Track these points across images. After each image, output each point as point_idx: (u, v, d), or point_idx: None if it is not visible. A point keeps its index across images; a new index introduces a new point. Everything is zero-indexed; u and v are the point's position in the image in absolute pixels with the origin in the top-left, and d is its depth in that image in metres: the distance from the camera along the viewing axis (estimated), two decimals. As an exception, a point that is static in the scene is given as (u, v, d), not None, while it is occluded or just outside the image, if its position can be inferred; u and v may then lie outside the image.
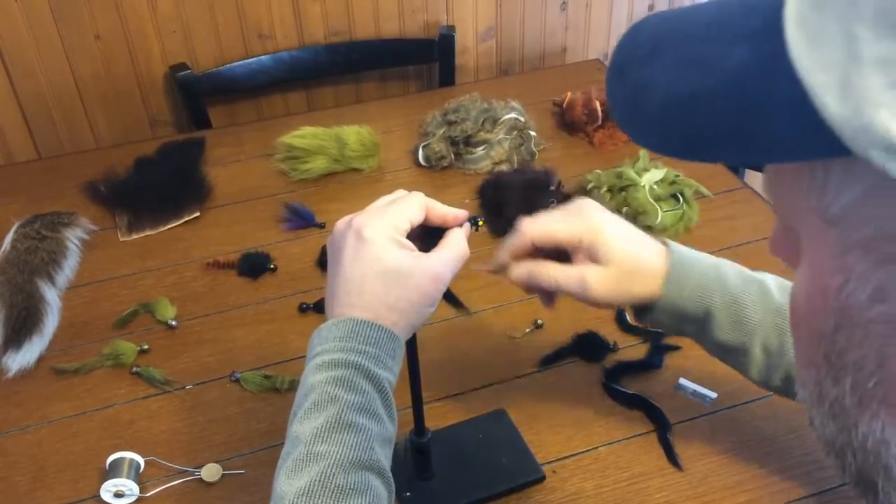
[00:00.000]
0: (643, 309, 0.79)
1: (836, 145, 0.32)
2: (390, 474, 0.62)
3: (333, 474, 0.58)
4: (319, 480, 0.58)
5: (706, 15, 0.40)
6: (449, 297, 0.79)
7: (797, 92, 0.33)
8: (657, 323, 0.80)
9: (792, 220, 0.41)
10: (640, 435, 0.93)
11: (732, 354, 0.79)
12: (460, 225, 0.70)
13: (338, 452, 0.59)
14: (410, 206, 0.68)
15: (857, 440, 0.36)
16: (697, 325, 0.78)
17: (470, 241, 0.72)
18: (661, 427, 0.93)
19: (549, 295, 0.81)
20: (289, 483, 0.58)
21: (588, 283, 0.75)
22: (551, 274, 0.76)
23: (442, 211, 0.70)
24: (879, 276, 0.34)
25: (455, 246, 0.68)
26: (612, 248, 0.75)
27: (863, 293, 0.35)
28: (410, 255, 0.66)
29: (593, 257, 0.76)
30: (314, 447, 0.59)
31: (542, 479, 0.88)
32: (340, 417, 0.60)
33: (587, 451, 0.92)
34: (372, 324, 0.63)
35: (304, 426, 0.61)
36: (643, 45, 0.42)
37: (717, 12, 0.39)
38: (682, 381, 0.98)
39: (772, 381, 0.79)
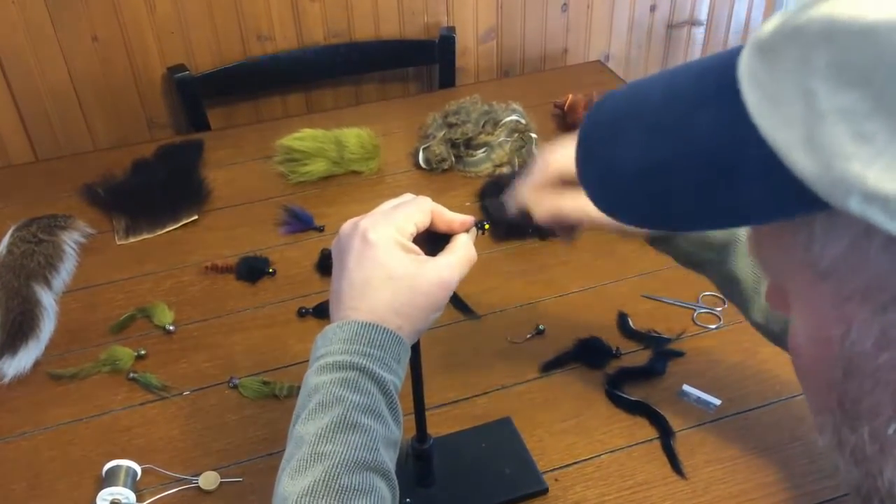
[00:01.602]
0: (661, 237, 0.79)
1: (813, 201, 0.32)
2: (395, 477, 0.61)
3: (338, 474, 0.57)
4: (323, 480, 0.57)
5: (660, 85, 0.40)
6: (456, 301, 0.78)
7: (766, 153, 0.33)
8: (675, 250, 0.80)
9: (780, 278, 0.40)
10: (643, 442, 0.92)
11: (738, 289, 0.79)
12: (467, 230, 0.69)
13: (343, 453, 0.58)
14: (417, 211, 0.67)
15: (883, 487, 0.36)
16: (718, 252, 0.78)
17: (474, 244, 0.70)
18: (665, 434, 0.92)
19: (569, 231, 0.80)
20: (292, 484, 0.58)
21: None
22: (578, 205, 0.75)
23: (448, 217, 0.69)
24: (881, 323, 0.34)
25: (461, 250, 0.67)
26: None
27: (867, 341, 0.34)
28: (416, 259, 0.65)
29: None
30: (319, 447, 0.58)
31: (544, 491, 0.87)
32: (345, 418, 0.59)
33: (589, 458, 0.91)
34: (377, 326, 0.63)
35: (308, 427, 0.60)
36: (605, 123, 0.43)
37: (670, 81, 0.40)
38: (686, 387, 0.97)
39: (770, 326, 0.79)
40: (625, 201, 0.41)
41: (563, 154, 0.76)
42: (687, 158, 0.37)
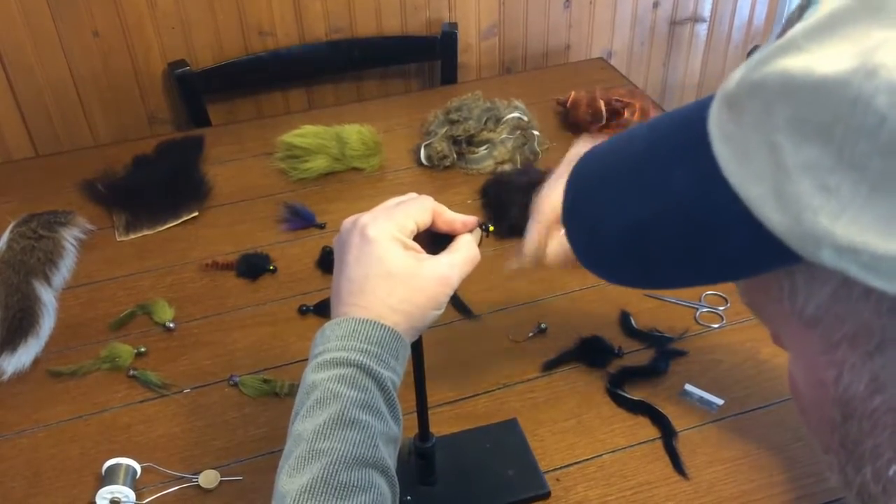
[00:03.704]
0: None
1: (789, 254, 0.32)
2: (394, 474, 0.61)
3: (336, 471, 0.56)
4: (322, 477, 0.56)
5: (643, 138, 0.40)
6: (455, 301, 0.78)
7: (740, 208, 0.33)
8: None
9: (771, 324, 0.41)
10: (645, 442, 0.92)
11: None
12: (469, 231, 0.69)
13: (341, 449, 0.57)
14: (418, 209, 0.67)
15: None
16: None
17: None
18: (667, 434, 0.92)
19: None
20: (291, 481, 0.57)
21: None
22: None
23: (449, 217, 0.68)
24: (871, 367, 0.34)
25: (463, 249, 0.67)
26: None
27: (859, 384, 0.34)
28: (415, 257, 0.65)
29: None
30: (317, 444, 0.58)
31: (546, 495, 0.86)
32: (343, 414, 0.59)
33: (591, 458, 0.90)
34: (374, 323, 0.62)
35: (306, 424, 0.60)
36: (590, 178, 0.43)
37: (650, 135, 0.40)
38: (688, 387, 0.96)
39: None
40: (609, 262, 0.41)
41: (553, 199, 0.77)
42: (665, 217, 0.37)
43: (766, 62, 0.32)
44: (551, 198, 0.77)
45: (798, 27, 0.32)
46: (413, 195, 0.69)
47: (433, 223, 0.68)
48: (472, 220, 0.69)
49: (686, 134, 0.37)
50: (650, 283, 0.40)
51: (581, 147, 0.78)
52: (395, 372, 0.63)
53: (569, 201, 0.44)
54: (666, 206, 0.37)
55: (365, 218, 0.66)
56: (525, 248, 0.79)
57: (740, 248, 0.34)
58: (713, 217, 0.35)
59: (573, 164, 0.76)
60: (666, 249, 0.37)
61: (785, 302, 0.36)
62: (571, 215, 0.44)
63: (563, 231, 0.76)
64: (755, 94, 0.32)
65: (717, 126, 0.34)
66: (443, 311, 0.66)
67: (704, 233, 0.35)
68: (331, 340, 0.62)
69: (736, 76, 0.35)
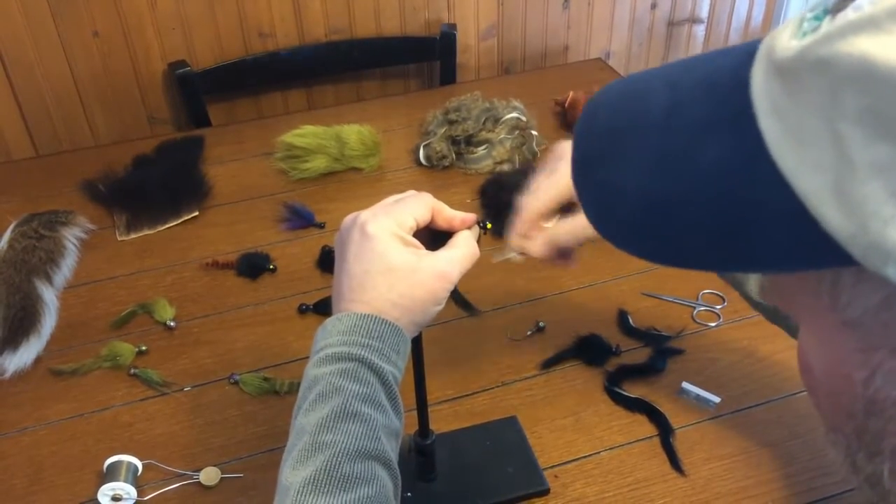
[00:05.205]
0: None
1: (843, 258, 0.28)
2: (397, 467, 0.62)
3: (339, 463, 0.57)
4: (325, 469, 0.57)
5: (662, 97, 0.35)
6: (457, 297, 0.78)
7: (788, 197, 0.29)
8: None
9: (798, 314, 0.37)
10: (642, 439, 0.93)
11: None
12: (468, 227, 0.69)
13: (343, 442, 0.58)
14: (417, 205, 0.67)
15: None
16: None
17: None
18: (664, 431, 0.93)
19: (567, 257, 0.81)
20: (294, 473, 0.58)
21: None
22: (568, 232, 0.77)
23: (449, 214, 0.69)
24: None
25: (462, 246, 0.67)
26: None
27: (892, 389, 0.32)
28: (415, 253, 0.65)
29: None
30: (319, 437, 0.59)
31: (546, 491, 0.87)
32: (346, 407, 0.59)
33: (589, 455, 0.91)
34: (375, 318, 0.63)
35: (308, 417, 0.60)
36: (601, 136, 0.38)
37: (672, 96, 0.34)
38: (685, 384, 0.97)
39: (767, 304, 0.81)
40: (624, 235, 0.37)
41: (535, 198, 0.78)
42: (693, 196, 0.32)
43: (839, 38, 0.27)
44: (537, 193, 0.78)
45: (881, 2, 0.27)
46: (412, 193, 0.70)
47: (432, 220, 0.68)
48: (470, 217, 0.70)
49: (720, 99, 0.32)
50: (670, 261, 0.36)
51: (565, 145, 0.79)
52: (396, 366, 0.64)
53: (579, 157, 0.39)
54: (694, 183, 0.32)
55: (364, 215, 0.66)
56: (510, 242, 0.80)
57: (783, 241, 0.30)
58: (753, 203, 0.30)
59: (559, 159, 0.77)
60: (691, 230, 0.33)
61: (823, 297, 0.32)
62: (584, 175, 0.39)
63: (548, 226, 0.77)
64: (821, 71, 0.28)
65: (766, 97, 0.30)
66: (443, 306, 0.67)
67: (740, 219, 0.31)
68: (332, 335, 0.63)
69: (792, 44, 0.29)
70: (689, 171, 0.32)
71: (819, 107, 0.27)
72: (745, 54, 0.32)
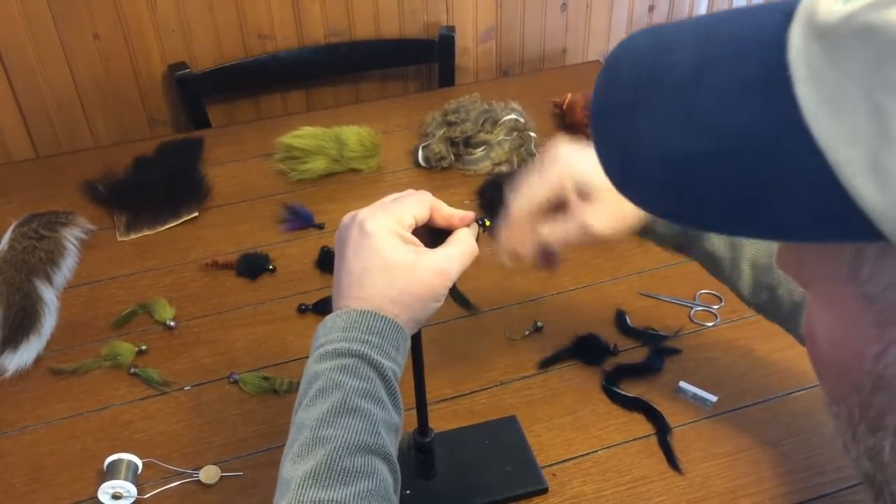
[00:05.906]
0: (646, 227, 0.81)
1: (872, 232, 0.27)
2: (396, 461, 0.62)
3: (340, 457, 0.58)
4: (325, 463, 0.57)
5: (690, 54, 0.33)
6: (456, 295, 0.79)
7: (819, 168, 0.28)
8: (661, 239, 0.83)
9: (814, 284, 0.36)
10: (640, 438, 0.93)
11: (722, 266, 0.81)
12: (467, 225, 0.70)
13: (344, 436, 0.58)
14: (415, 203, 0.68)
15: None
16: (695, 233, 0.81)
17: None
18: (662, 430, 0.93)
19: (552, 260, 0.83)
20: (295, 468, 0.58)
21: (589, 225, 0.77)
22: (555, 234, 0.78)
23: (447, 212, 0.69)
24: None
25: (461, 243, 0.68)
26: (596, 183, 0.77)
27: None
28: (413, 250, 0.66)
29: (584, 196, 0.77)
30: (320, 432, 0.59)
31: (544, 490, 0.87)
32: (346, 402, 0.60)
33: (587, 454, 0.91)
34: (374, 314, 0.63)
35: (309, 413, 0.61)
36: (625, 87, 0.37)
37: (703, 52, 0.33)
38: (683, 384, 0.97)
39: (759, 298, 0.81)
40: (645, 192, 0.36)
41: (524, 201, 0.79)
42: (721, 157, 0.31)
43: (891, 5, 0.26)
44: (526, 196, 0.79)
45: None
46: (411, 191, 0.71)
47: (431, 218, 0.69)
48: (469, 214, 0.70)
49: (754, 59, 0.31)
50: (689, 220, 0.34)
51: (558, 147, 0.80)
52: (396, 362, 0.65)
53: (600, 107, 0.38)
54: (722, 142, 0.31)
55: (363, 212, 0.67)
56: (499, 244, 0.81)
57: (809, 210, 0.29)
58: (781, 169, 0.29)
59: (551, 162, 0.78)
60: (715, 191, 0.32)
61: (843, 268, 0.32)
62: (604, 125, 0.38)
63: (538, 229, 0.78)
64: (866, 39, 0.27)
65: (804, 61, 0.29)
66: (441, 303, 0.67)
67: (767, 184, 0.30)
68: (332, 332, 0.64)
69: (836, 7, 0.28)
70: (718, 130, 0.31)
71: (860, 76, 0.27)
72: (782, 13, 0.31)
